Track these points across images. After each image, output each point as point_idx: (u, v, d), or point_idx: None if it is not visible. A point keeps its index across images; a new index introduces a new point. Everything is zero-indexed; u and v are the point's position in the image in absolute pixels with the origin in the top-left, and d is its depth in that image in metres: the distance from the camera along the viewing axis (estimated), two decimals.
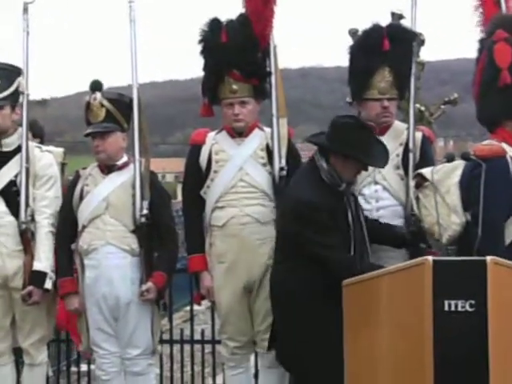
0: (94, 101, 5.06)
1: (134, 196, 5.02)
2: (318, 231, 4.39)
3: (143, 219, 4.97)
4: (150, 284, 4.97)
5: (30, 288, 5.02)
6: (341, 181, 4.50)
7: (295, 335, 4.49)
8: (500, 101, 4.49)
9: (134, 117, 5.14)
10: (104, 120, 5.05)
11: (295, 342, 4.49)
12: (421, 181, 4.67)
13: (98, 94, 5.07)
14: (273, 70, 5.18)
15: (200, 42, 5.15)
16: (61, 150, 5.49)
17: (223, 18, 5.14)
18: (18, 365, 5.38)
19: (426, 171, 4.64)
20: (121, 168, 5.13)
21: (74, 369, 6.57)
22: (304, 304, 4.43)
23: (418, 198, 4.69)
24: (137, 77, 5.21)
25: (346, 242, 4.46)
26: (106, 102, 5.06)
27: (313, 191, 4.48)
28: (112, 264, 5.00)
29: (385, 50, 4.96)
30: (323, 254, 4.37)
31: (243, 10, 5.15)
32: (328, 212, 4.41)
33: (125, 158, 5.16)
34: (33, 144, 5.29)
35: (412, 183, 4.75)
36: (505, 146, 4.46)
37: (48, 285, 5.03)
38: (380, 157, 4.59)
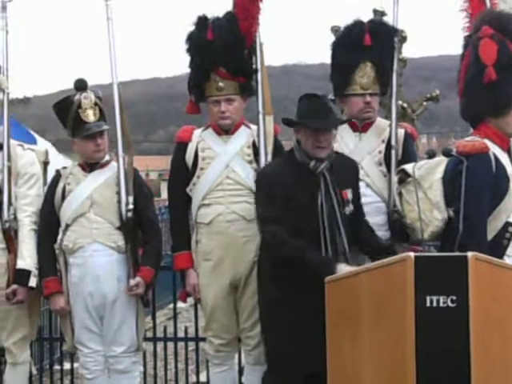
0: (85, 99, 5.04)
1: (118, 193, 5.02)
2: (263, 202, 4.49)
3: (130, 214, 4.98)
4: (138, 279, 4.98)
5: (15, 287, 5.00)
6: (309, 158, 4.47)
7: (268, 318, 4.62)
8: (484, 97, 4.53)
9: (115, 114, 5.13)
10: (99, 119, 5.06)
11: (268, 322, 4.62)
12: (404, 176, 4.69)
13: (91, 94, 5.07)
14: (259, 67, 5.20)
15: (187, 39, 5.15)
16: (43, 148, 5.48)
17: (209, 16, 5.15)
18: (1, 364, 5.35)
19: (408, 167, 4.66)
20: (103, 166, 5.13)
21: (57, 367, 6.54)
22: (269, 283, 4.56)
23: (400, 194, 4.71)
24: (116, 74, 5.20)
25: (309, 222, 4.42)
26: (98, 101, 5.07)
27: (277, 165, 4.58)
28: (99, 262, 5.00)
29: (366, 45, 4.99)
30: (262, 227, 4.51)
31: (230, 8, 5.16)
32: (282, 185, 4.43)
33: (107, 156, 5.16)
34: (14, 142, 5.27)
35: (395, 179, 4.77)
36: (488, 142, 4.49)
37: (32, 283, 5.01)
38: (329, 119, 4.48)
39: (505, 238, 4.43)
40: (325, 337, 4.12)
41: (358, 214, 4.63)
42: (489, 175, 4.40)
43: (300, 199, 4.43)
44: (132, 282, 4.97)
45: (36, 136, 6.54)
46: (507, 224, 4.43)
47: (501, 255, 4.32)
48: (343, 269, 4.21)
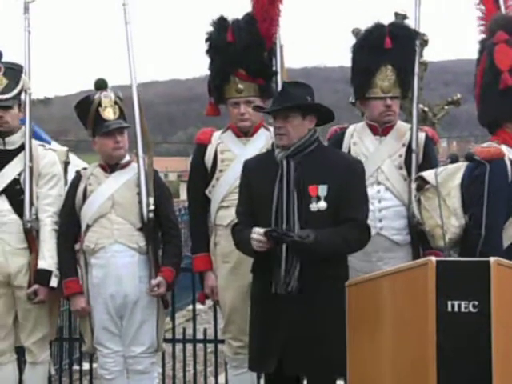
0: (105, 98, 5.07)
1: (139, 194, 5.03)
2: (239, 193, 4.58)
3: (151, 215, 4.99)
4: (160, 278, 5.00)
5: (36, 286, 5.03)
6: (277, 147, 4.42)
7: None
8: (501, 103, 4.50)
9: (135, 115, 5.15)
10: (119, 117, 5.09)
11: None
12: (422, 183, 4.66)
13: (111, 93, 5.10)
14: (278, 69, 5.19)
15: (206, 41, 5.16)
16: (64, 148, 5.52)
17: (229, 18, 5.16)
18: (21, 363, 5.37)
19: (427, 174, 4.62)
20: (124, 167, 5.14)
21: (76, 367, 6.56)
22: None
23: (419, 201, 4.67)
24: (135, 76, 5.25)
25: (264, 210, 4.33)
26: (118, 100, 5.10)
27: (259, 155, 4.68)
28: (120, 262, 5.01)
29: (387, 48, 4.97)
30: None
31: (249, 9, 5.16)
32: (245, 174, 4.50)
33: (127, 157, 5.18)
34: (36, 142, 5.30)
35: (413, 186, 4.75)
36: (504, 147, 4.47)
37: (54, 283, 5.04)
38: (281, 104, 4.36)
39: None
40: (292, 337, 4.25)
41: (337, 216, 4.32)
42: (504, 182, 4.37)
43: (260, 188, 4.39)
44: (153, 281, 4.98)
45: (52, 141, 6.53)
46: None
47: None
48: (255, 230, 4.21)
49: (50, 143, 6.03)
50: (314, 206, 4.29)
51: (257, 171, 4.46)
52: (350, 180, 4.35)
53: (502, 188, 4.35)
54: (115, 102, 5.08)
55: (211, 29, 5.15)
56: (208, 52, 5.17)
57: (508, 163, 4.38)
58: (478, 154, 4.41)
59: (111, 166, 5.13)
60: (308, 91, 4.42)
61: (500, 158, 4.39)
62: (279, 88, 5.13)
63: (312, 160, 4.36)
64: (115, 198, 5.06)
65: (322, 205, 4.29)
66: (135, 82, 5.23)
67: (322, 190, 4.30)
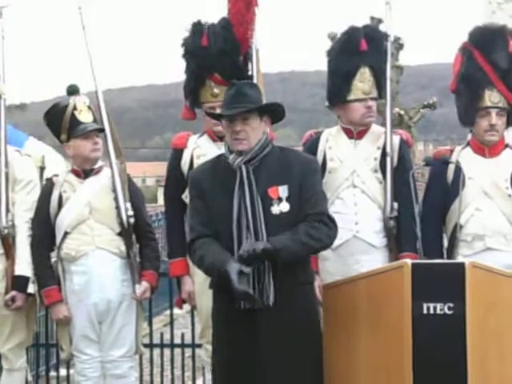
0: (79, 102, 5.05)
1: (115, 199, 5.02)
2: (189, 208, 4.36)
3: (132, 220, 4.99)
4: (145, 283, 5.00)
5: (13, 293, 4.99)
6: (230, 152, 4.20)
7: None
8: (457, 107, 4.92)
9: (104, 121, 5.14)
10: (93, 121, 5.07)
11: None
12: None
13: (86, 98, 5.09)
14: (254, 73, 5.20)
15: (182, 45, 5.17)
16: (40, 154, 5.48)
17: (206, 22, 5.17)
18: None
19: None
20: (97, 172, 5.12)
21: (53, 373, 6.53)
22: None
23: None
24: (97, 81, 5.19)
25: (223, 220, 4.12)
26: (91, 106, 5.09)
27: (208, 162, 4.41)
28: (103, 268, 4.98)
29: (363, 50, 4.99)
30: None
31: (225, 14, 5.18)
32: (194, 186, 4.28)
33: (100, 162, 5.17)
34: (12, 148, 5.27)
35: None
36: (466, 149, 4.80)
37: (31, 289, 5.01)
38: (239, 107, 4.13)
39: (456, 238, 4.65)
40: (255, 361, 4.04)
41: (301, 212, 4.13)
42: (433, 179, 4.81)
43: (216, 198, 4.17)
44: (140, 287, 4.98)
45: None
46: (456, 225, 4.66)
47: (455, 254, 4.64)
48: (233, 267, 3.95)
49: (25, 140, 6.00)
50: (275, 209, 4.11)
51: (209, 181, 4.23)
52: (308, 177, 4.19)
53: (431, 183, 4.82)
54: (89, 107, 5.08)
55: (187, 33, 5.16)
56: (184, 56, 5.17)
57: (453, 164, 4.69)
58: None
59: (85, 171, 5.10)
60: (259, 91, 4.30)
61: (442, 159, 4.73)
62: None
63: (268, 162, 4.18)
64: (92, 204, 5.03)
65: (285, 206, 4.11)
66: (99, 88, 5.18)
67: (283, 190, 4.12)
